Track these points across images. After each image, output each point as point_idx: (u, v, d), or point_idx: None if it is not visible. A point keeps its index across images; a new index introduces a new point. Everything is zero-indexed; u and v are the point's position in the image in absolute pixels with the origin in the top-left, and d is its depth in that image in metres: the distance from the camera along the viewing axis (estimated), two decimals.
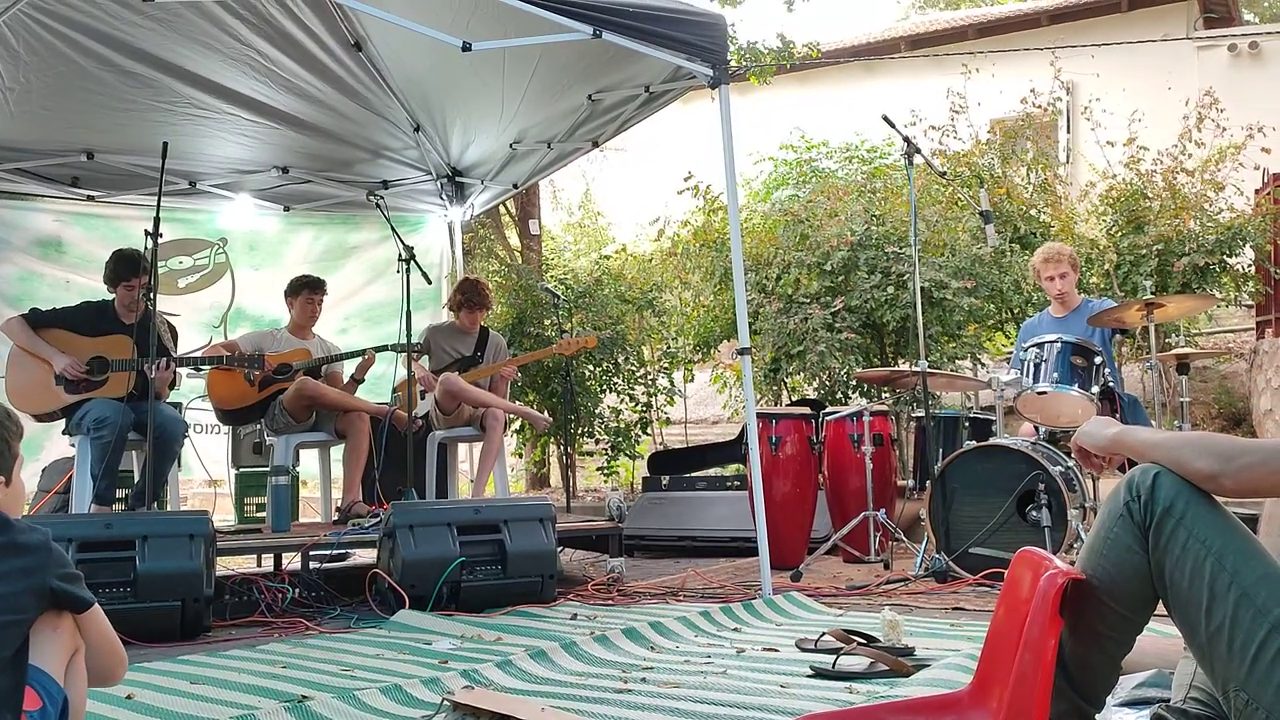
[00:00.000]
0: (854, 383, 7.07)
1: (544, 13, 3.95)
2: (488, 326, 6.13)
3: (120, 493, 5.09)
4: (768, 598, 4.02)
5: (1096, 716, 1.75)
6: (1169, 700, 1.81)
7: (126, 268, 4.99)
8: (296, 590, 4.22)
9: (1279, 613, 1.50)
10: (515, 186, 6.95)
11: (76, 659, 1.68)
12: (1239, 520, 1.61)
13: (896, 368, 5.80)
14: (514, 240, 10.89)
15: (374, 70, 5.75)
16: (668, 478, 6.58)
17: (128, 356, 4.89)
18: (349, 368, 5.69)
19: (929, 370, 4.85)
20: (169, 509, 5.21)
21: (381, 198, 5.50)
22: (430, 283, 5.64)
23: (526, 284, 8.09)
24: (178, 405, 5.77)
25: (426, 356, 5.86)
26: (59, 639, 1.65)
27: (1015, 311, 7.40)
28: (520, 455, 9.22)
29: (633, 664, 3.00)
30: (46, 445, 5.75)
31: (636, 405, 8.34)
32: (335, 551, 4.90)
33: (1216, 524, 1.58)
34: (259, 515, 6.16)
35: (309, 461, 6.20)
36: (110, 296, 5.10)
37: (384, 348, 5.51)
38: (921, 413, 5.06)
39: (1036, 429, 4.88)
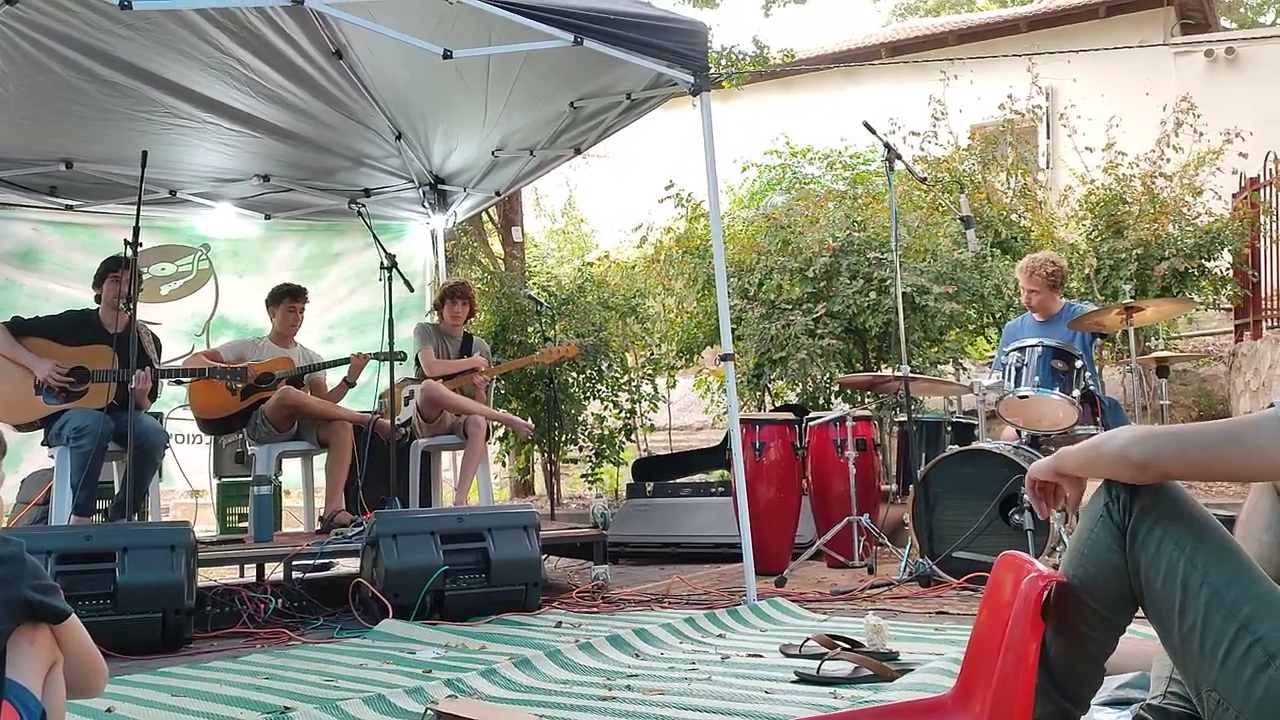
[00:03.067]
0: (837, 388, 7.09)
1: (525, 20, 3.95)
2: (472, 333, 6.13)
3: (101, 504, 5.05)
4: (752, 603, 4.03)
5: (1081, 717, 1.76)
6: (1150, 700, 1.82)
7: (113, 261, 4.98)
8: (279, 600, 4.20)
9: (1248, 611, 1.51)
10: (498, 194, 6.94)
11: (54, 672, 1.67)
12: (1218, 521, 1.62)
13: (879, 373, 5.82)
14: (497, 248, 10.88)
15: (355, 78, 5.73)
16: (652, 484, 6.58)
17: (109, 366, 4.85)
18: (333, 375, 5.68)
19: (911, 375, 4.87)
20: (150, 520, 5.18)
21: (363, 205, 5.48)
22: (413, 290, 5.63)
23: (509, 291, 8.08)
24: (159, 415, 5.74)
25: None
26: (36, 652, 1.63)
27: (997, 316, 7.44)
28: (504, 463, 9.20)
29: (617, 671, 2.99)
30: (26, 457, 5.70)
31: (620, 412, 8.33)
32: (318, 561, 4.88)
33: (1192, 524, 1.59)
34: (241, 525, 6.13)
35: (291, 471, 6.17)
36: (94, 307, 5.07)
37: (373, 355, 5.50)
38: (904, 417, 5.08)
39: (1018, 433, 4.91)
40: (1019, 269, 5.38)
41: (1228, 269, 7.94)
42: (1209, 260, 7.54)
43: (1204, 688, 1.55)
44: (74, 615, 1.70)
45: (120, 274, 4.92)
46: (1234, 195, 8.32)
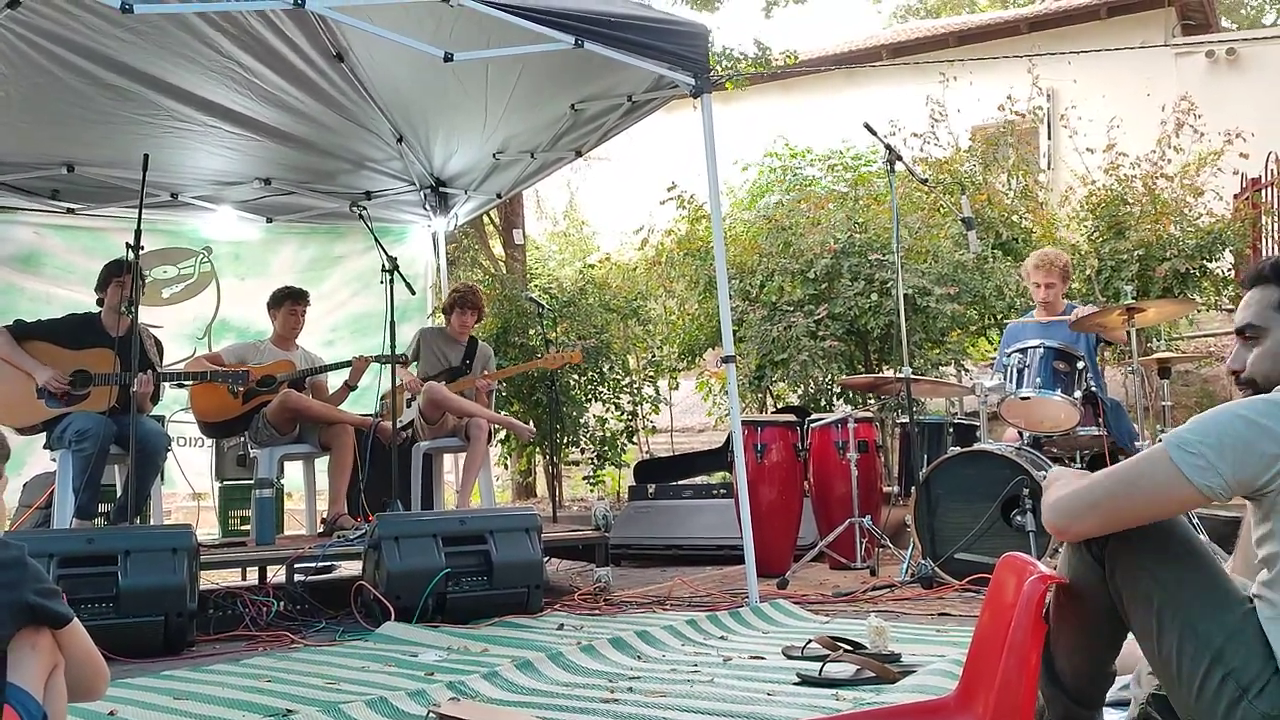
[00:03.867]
0: (838, 389, 7.09)
1: (526, 23, 3.95)
2: (476, 337, 6.13)
3: (103, 507, 5.05)
4: (754, 605, 4.02)
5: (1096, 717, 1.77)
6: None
7: (117, 265, 4.97)
8: (281, 603, 4.19)
9: (1220, 644, 1.51)
10: (499, 196, 6.95)
11: (56, 675, 1.67)
12: (1196, 547, 1.62)
13: (880, 374, 5.82)
14: (498, 250, 10.88)
15: (356, 81, 5.74)
16: (654, 486, 6.57)
17: (111, 370, 4.86)
18: (334, 378, 5.68)
19: (913, 376, 4.87)
20: (152, 523, 5.17)
21: (364, 208, 5.48)
22: (414, 293, 5.62)
23: (511, 293, 8.08)
24: (160, 418, 5.74)
25: (415, 364, 5.86)
26: (38, 656, 1.63)
27: (998, 317, 7.43)
28: (505, 465, 9.20)
29: (620, 674, 2.99)
30: (28, 460, 5.71)
31: (622, 414, 8.33)
32: (320, 564, 4.87)
33: (1168, 552, 1.59)
34: (243, 528, 6.12)
35: (293, 474, 6.17)
36: (96, 310, 5.08)
37: (372, 358, 5.50)
38: (906, 419, 5.07)
39: (1020, 434, 4.90)
40: (1031, 264, 5.32)
41: (1229, 270, 7.93)
42: (1211, 261, 7.53)
43: (1183, 714, 1.56)
44: (75, 619, 1.70)
45: (124, 279, 4.92)
46: (1235, 196, 8.33)
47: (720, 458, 7.20)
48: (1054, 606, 1.71)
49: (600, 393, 8.23)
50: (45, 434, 4.91)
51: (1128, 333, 4.76)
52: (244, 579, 5.34)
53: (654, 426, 8.89)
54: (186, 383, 5.47)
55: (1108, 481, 1.62)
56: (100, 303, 5.08)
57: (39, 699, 1.62)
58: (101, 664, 1.77)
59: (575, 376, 8.00)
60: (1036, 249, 7.08)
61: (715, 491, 6.37)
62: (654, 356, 8.73)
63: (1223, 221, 7.62)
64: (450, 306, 5.93)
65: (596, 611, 4.23)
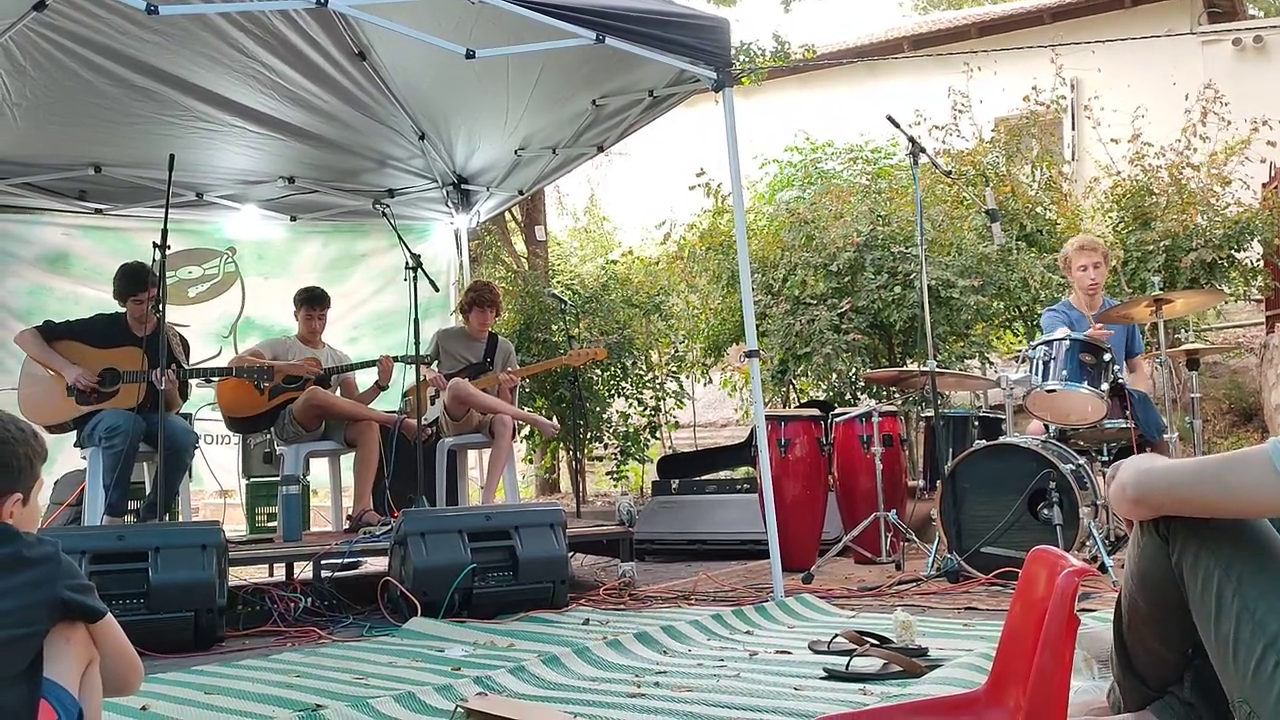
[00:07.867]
0: (862, 383, 7.06)
1: (547, 19, 3.96)
2: (496, 333, 6.14)
3: (132, 504, 5.10)
4: (780, 600, 4.02)
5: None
6: None
7: (132, 283, 5.02)
8: (309, 599, 4.22)
9: (1275, 629, 1.49)
10: (521, 193, 6.96)
11: (91, 670, 1.68)
12: (1267, 529, 1.60)
13: (905, 368, 5.79)
14: (520, 246, 10.89)
15: (378, 79, 5.76)
16: (677, 481, 6.57)
17: (139, 368, 4.91)
18: (362, 377, 5.71)
19: (937, 370, 4.84)
20: (180, 520, 5.23)
21: (387, 206, 5.50)
22: (438, 290, 5.65)
23: (533, 290, 8.09)
24: (188, 416, 5.79)
25: (436, 362, 5.89)
26: (72, 650, 1.65)
27: (1023, 309, 7.38)
28: (530, 461, 9.22)
29: (645, 668, 2.99)
30: (58, 458, 5.75)
31: (645, 409, 8.33)
32: (347, 560, 4.91)
33: (1231, 534, 1.58)
34: (270, 525, 6.17)
35: (319, 470, 6.21)
36: (123, 310, 5.13)
37: (399, 358, 5.53)
38: (930, 412, 5.05)
39: (1046, 427, 4.87)
40: (1073, 250, 5.23)
41: (1258, 259, 7.84)
42: (1239, 251, 7.45)
43: (1236, 698, 1.55)
44: (109, 614, 1.71)
45: (140, 297, 4.98)
46: (1264, 185, 8.22)
47: (743, 453, 7.19)
48: (1126, 599, 1.71)
49: (623, 388, 8.24)
50: (76, 432, 4.98)
51: (1155, 325, 4.71)
52: (271, 575, 5.38)
53: (677, 422, 8.89)
54: (213, 379, 5.52)
55: (1196, 467, 1.59)
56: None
57: (74, 694, 1.63)
58: (135, 659, 1.78)
59: (598, 372, 8.01)
60: (1061, 240, 7.02)
61: (739, 486, 6.36)
62: (677, 352, 8.72)
63: (1250, 211, 7.52)
64: (468, 306, 5.94)
65: (621, 606, 4.24)
